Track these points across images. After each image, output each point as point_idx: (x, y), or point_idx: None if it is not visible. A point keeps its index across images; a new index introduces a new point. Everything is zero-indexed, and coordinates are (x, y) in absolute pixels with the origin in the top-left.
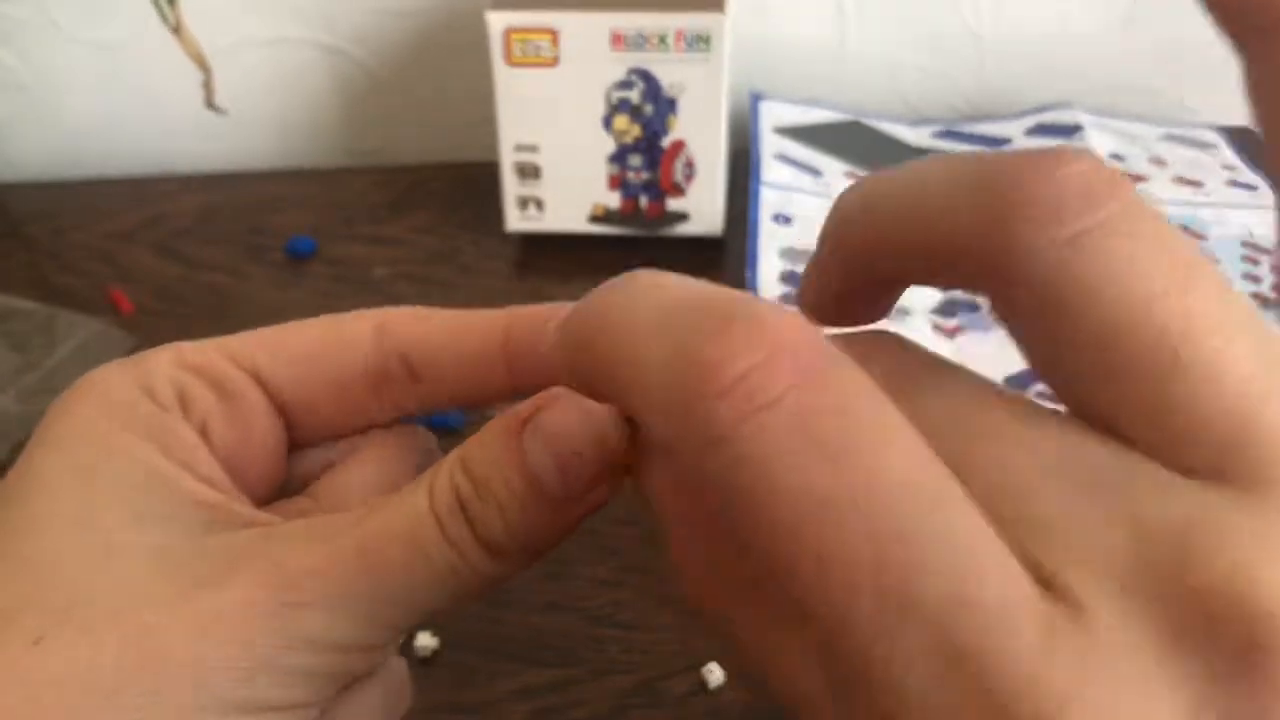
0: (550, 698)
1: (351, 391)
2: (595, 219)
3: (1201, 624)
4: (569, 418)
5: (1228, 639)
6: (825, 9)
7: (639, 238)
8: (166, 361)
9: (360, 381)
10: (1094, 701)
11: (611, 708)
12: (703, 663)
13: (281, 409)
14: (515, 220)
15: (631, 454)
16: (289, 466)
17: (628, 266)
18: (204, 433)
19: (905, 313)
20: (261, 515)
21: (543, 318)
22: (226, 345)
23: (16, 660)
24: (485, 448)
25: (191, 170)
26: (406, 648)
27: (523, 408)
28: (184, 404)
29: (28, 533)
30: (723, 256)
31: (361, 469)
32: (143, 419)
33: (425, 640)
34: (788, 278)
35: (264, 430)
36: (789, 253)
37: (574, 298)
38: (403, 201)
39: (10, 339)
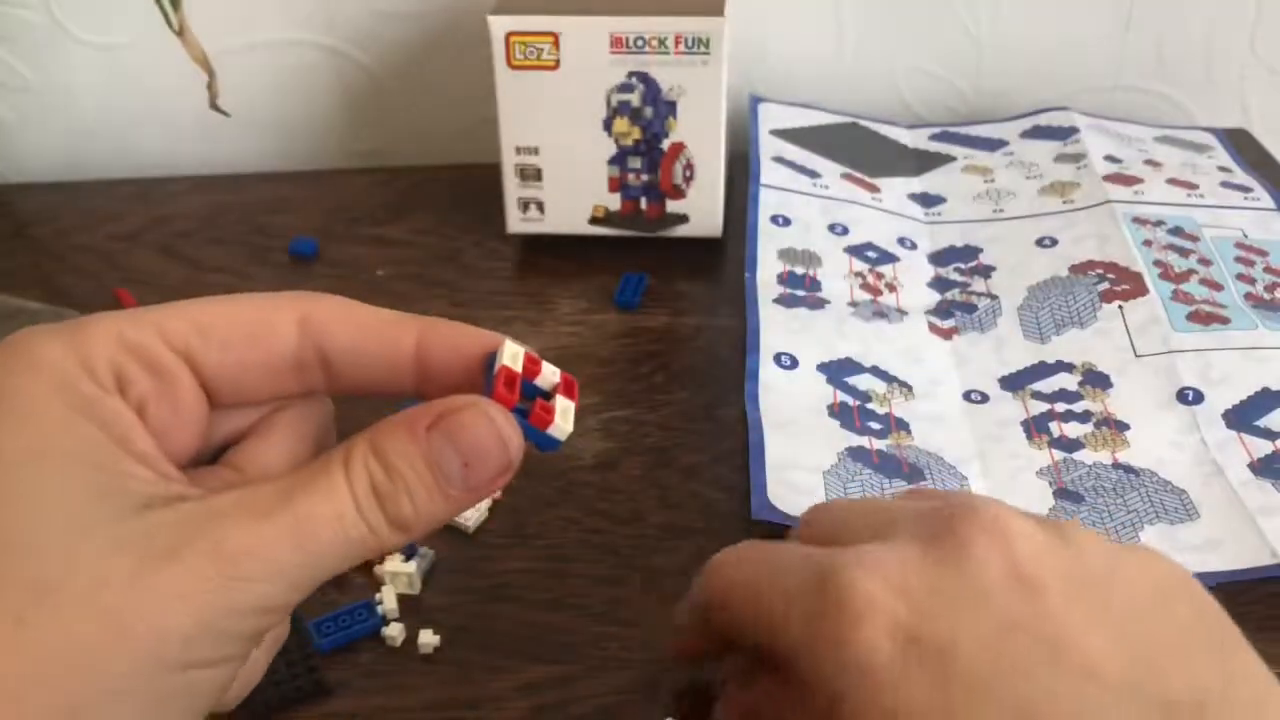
0: (550, 694)
1: (273, 375)
2: (595, 220)
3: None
4: (478, 424)
5: (943, 524)
6: (823, 12)
7: (639, 239)
8: (105, 339)
9: (282, 368)
10: (869, 554)
11: (611, 704)
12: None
13: (206, 386)
14: (516, 222)
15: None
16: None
17: (628, 268)
18: (140, 411)
19: (902, 314)
20: (193, 490)
21: (452, 336)
22: (161, 325)
23: (4, 639)
24: (395, 440)
25: (195, 172)
26: (409, 644)
27: (429, 409)
28: (121, 385)
29: (2, 519)
30: (722, 258)
31: (277, 442)
32: (87, 400)
33: (427, 637)
34: (786, 278)
35: (191, 407)
36: (788, 253)
37: (574, 298)
38: (404, 203)
39: None
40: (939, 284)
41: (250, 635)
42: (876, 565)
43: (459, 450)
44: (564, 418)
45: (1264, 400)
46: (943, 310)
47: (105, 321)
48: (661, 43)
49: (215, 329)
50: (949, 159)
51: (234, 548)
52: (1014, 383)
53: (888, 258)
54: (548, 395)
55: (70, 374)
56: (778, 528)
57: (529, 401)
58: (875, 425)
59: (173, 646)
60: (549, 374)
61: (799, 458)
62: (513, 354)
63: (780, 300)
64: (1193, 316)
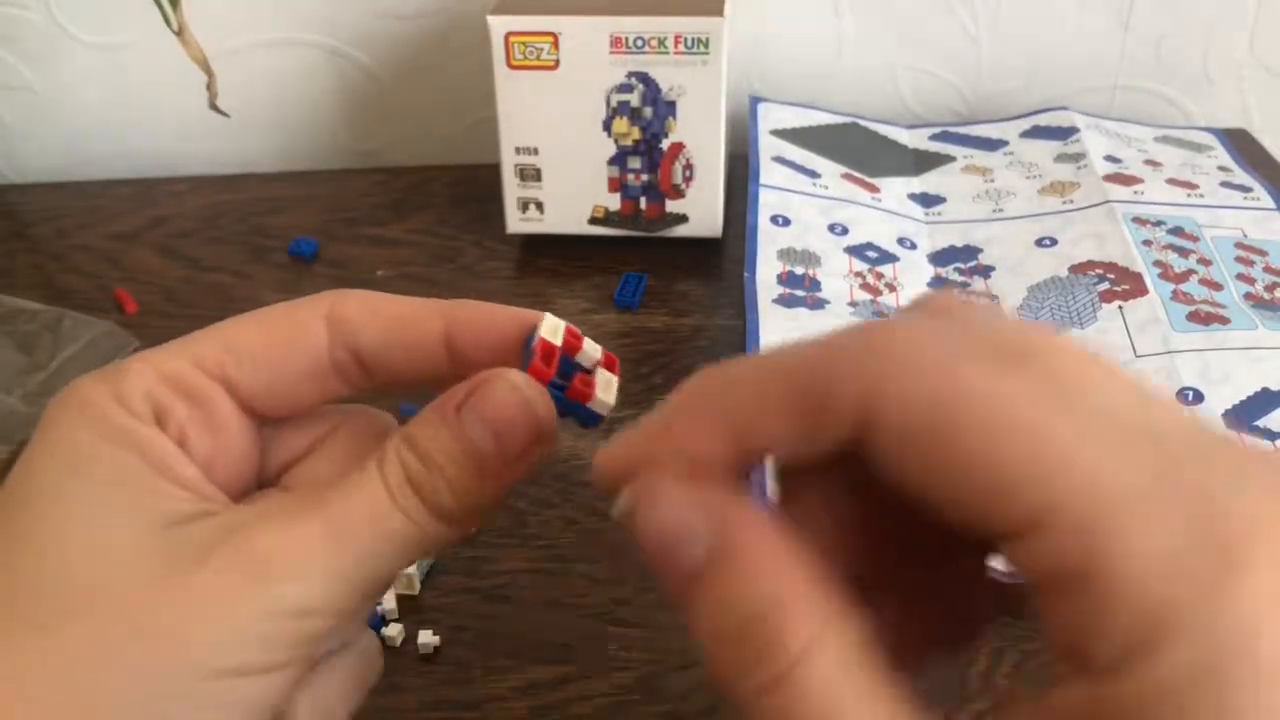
0: (550, 694)
1: (312, 380)
2: (595, 221)
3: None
4: (501, 393)
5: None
6: (823, 12)
7: (638, 239)
8: (141, 375)
9: (319, 372)
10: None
11: (611, 704)
12: (702, 661)
13: (248, 404)
14: (516, 222)
15: None
16: (263, 453)
17: (627, 268)
18: (182, 441)
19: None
20: (235, 507)
21: (481, 316)
22: (195, 354)
23: (27, 645)
24: (427, 425)
25: (195, 172)
26: (408, 645)
27: (459, 389)
28: (160, 415)
29: (31, 533)
30: (721, 258)
31: (331, 455)
32: (122, 430)
33: (426, 638)
34: (786, 278)
35: (235, 432)
36: (787, 253)
37: (574, 298)
38: (404, 203)
39: (16, 339)
40: (939, 284)
41: (298, 641)
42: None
43: (486, 422)
44: (605, 390)
45: (1264, 400)
46: None
47: (143, 358)
48: (661, 43)
49: (245, 345)
50: (949, 159)
51: (263, 549)
52: None
53: (888, 258)
54: (589, 371)
55: (106, 409)
56: None
57: (567, 377)
58: None
59: (201, 652)
60: (590, 350)
61: None
62: (552, 328)
63: (780, 300)
64: (1192, 316)
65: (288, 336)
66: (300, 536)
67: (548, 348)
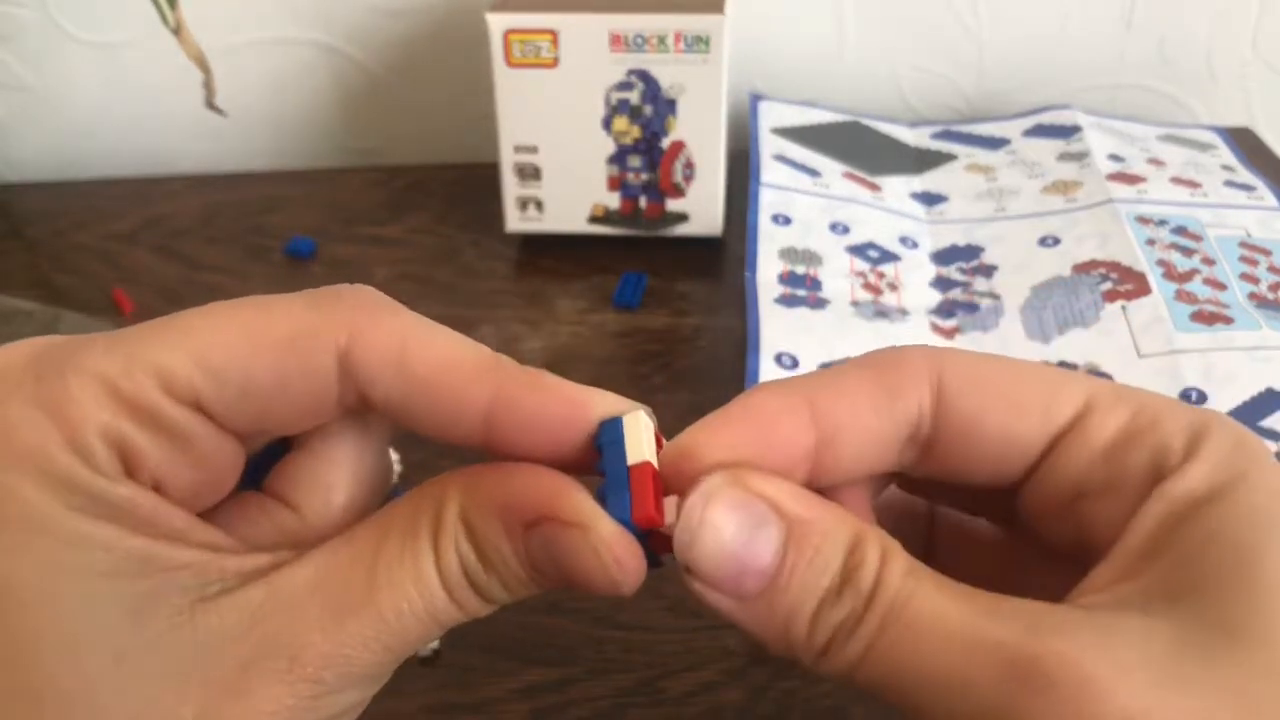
0: (550, 697)
1: (310, 415)
2: (595, 219)
3: None
4: (586, 558)
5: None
6: (824, 10)
7: (638, 238)
8: (93, 403)
9: (320, 408)
10: None
11: (611, 707)
12: (703, 663)
13: (226, 426)
14: (515, 221)
15: None
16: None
17: (627, 267)
18: (158, 487)
19: (904, 313)
20: (249, 559)
21: (539, 407)
22: (161, 371)
23: None
24: (490, 528)
25: (192, 171)
26: None
27: (530, 498)
28: (129, 463)
29: (23, 661)
30: (722, 257)
31: (334, 465)
32: (89, 496)
33: None
34: (787, 278)
35: (218, 459)
36: (788, 253)
37: (574, 298)
38: (402, 202)
39: (13, 340)
40: (941, 283)
41: None
42: None
43: (560, 570)
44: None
45: (1268, 400)
46: (945, 310)
47: (88, 375)
48: (661, 41)
49: (230, 373)
50: (951, 158)
51: (314, 659)
52: None
53: (889, 257)
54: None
55: (64, 467)
56: None
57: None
58: None
59: None
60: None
61: None
62: (646, 435)
63: (781, 300)
64: (1196, 316)
65: (284, 369)
66: (352, 642)
67: (654, 477)
